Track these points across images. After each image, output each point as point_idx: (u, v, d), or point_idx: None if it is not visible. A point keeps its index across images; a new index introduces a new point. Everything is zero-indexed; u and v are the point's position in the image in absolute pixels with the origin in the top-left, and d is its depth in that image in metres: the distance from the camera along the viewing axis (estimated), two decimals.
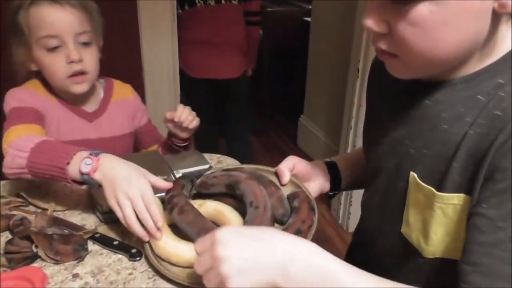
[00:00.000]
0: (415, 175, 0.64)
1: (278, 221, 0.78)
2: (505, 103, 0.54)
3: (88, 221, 0.87)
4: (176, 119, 1.06)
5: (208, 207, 0.80)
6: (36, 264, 0.75)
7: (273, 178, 0.86)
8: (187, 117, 1.07)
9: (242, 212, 0.78)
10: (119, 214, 0.75)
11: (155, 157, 1.04)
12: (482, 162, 0.55)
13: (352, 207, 2.23)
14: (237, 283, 0.51)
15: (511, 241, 0.49)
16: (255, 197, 0.75)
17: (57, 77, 1.03)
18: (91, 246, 0.80)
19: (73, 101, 1.11)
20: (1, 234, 0.83)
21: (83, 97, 1.11)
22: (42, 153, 0.83)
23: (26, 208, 0.91)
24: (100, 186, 0.78)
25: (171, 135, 1.15)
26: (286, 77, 3.69)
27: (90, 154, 0.79)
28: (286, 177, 0.84)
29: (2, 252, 0.75)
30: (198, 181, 0.86)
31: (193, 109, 1.11)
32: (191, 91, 2.33)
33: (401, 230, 0.69)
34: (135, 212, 0.75)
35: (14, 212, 0.87)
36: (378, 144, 0.73)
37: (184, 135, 1.12)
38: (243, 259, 0.52)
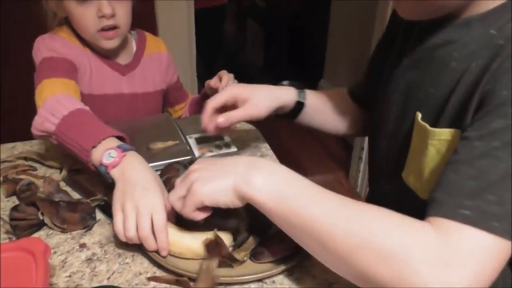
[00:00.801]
0: (419, 115, 0.63)
1: None
2: (510, 33, 0.53)
3: (98, 187, 0.83)
4: (220, 90, 0.98)
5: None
6: (43, 232, 0.72)
7: None
8: None
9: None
10: (117, 221, 0.65)
11: (166, 120, 0.99)
12: (475, 92, 0.53)
13: None
14: (204, 187, 0.57)
15: (484, 158, 0.47)
16: None
17: (86, 30, 0.97)
18: (100, 214, 0.76)
19: (106, 54, 1.05)
20: (8, 199, 0.80)
21: (116, 50, 1.06)
22: (72, 126, 0.77)
23: (34, 173, 0.88)
24: (113, 182, 0.71)
25: (207, 97, 1.10)
26: (305, 40, 3.56)
27: (118, 147, 0.72)
28: (208, 125, 0.82)
29: (7, 218, 0.73)
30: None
31: None
32: None
33: (402, 174, 0.68)
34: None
35: (21, 177, 0.84)
36: (388, 87, 0.72)
37: None
38: (210, 170, 0.59)
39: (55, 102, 0.81)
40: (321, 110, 0.90)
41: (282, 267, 0.64)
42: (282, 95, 0.85)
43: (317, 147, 2.77)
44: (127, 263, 0.66)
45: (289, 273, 0.66)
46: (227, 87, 0.77)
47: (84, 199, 0.78)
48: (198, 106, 1.17)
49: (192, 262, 0.65)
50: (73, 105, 0.80)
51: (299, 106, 0.87)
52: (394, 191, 0.71)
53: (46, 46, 0.96)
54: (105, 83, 1.05)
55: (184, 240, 0.65)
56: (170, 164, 0.82)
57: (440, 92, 0.61)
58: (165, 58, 1.17)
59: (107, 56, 1.06)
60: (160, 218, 0.64)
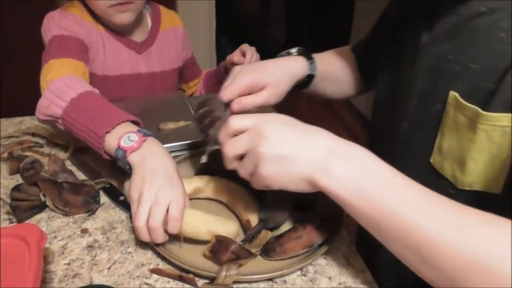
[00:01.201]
0: (456, 94, 0.56)
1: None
2: None
3: (104, 168, 0.79)
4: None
5: (217, 184, 0.69)
6: (44, 214, 0.68)
7: None
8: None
9: (258, 193, 0.66)
10: (133, 208, 0.60)
11: (179, 99, 0.94)
12: None
13: None
14: (273, 172, 0.49)
15: None
16: None
17: (98, 4, 0.91)
18: (104, 198, 0.72)
19: (120, 30, 1.00)
20: (12, 177, 0.76)
21: (130, 26, 1.00)
22: (82, 110, 0.70)
23: (40, 150, 0.84)
24: (130, 170, 0.64)
25: (226, 72, 1.05)
26: (329, 16, 3.42)
27: (139, 131, 0.65)
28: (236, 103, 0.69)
29: (8, 198, 0.69)
30: (206, 154, 0.74)
31: None
32: None
33: (431, 160, 0.61)
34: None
35: (27, 154, 0.81)
36: (412, 63, 0.64)
37: None
38: (282, 145, 0.49)
39: (62, 84, 0.74)
40: (328, 77, 0.84)
41: (296, 266, 0.58)
42: (295, 70, 0.78)
43: (337, 127, 2.69)
44: (129, 252, 0.62)
45: (303, 272, 0.60)
46: (239, 76, 0.69)
47: (89, 180, 0.74)
48: (214, 80, 1.12)
49: (200, 258, 0.60)
50: (82, 87, 0.74)
51: (309, 78, 0.81)
52: (418, 175, 0.63)
53: (56, 24, 0.90)
54: (121, 63, 1.00)
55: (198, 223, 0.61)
56: (209, 97, 0.74)
57: (485, 68, 0.53)
58: (180, 33, 1.11)
59: (122, 33, 1.00)
60: (178, 208, 0.59)
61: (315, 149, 0.49)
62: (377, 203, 0.46)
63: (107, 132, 0.66)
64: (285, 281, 0.59)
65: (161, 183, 0.60)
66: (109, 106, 0.71)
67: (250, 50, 0.95)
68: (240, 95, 0.70)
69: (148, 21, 1.05)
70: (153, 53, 1.04)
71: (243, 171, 0.53)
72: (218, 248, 0.58)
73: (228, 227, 0.61)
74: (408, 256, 0.46)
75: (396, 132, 0.68)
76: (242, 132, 0.52)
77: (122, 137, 0.64)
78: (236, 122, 0.53)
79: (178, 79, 1.14)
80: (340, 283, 0.59)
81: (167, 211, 0.58)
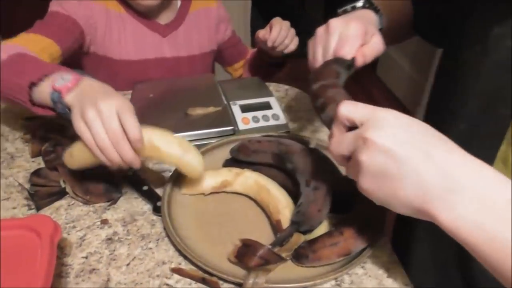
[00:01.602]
0: None
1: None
2: None
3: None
4: (269, 44, 0.86)
5: (247, 178, 0.64)
6: (64, 201, 0.65)
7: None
8: (282, 40, 0.86)
9: (291, 191, 0.62)
10: (86, 137, 0.54)
11: (210, 83, 0.88)
12: None
13: None
14: (370, 187, 0.41)
15: None
16: (314, 176, 0.57)
17: None
18: (126, 187, 0.68)
19: (146, 12, 0.94)
20: (34, 160, 0.73)
21: (157, 8, 0.93)
22: (9, 66, 0.65)
23: (65, 132, 0.80)
24: (69, 111, 0.57)
25: (261, 51, 0.97)
26: None
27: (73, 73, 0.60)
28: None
29: (27, 183, 0.66)
30: (236, 145, 0.68)
31: None
32: None
33: (494, 167, 0.49)
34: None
35: (51, 135, 0.77)
36: (478, 58, 0.52)
37: (277, 54, 0.91)
38: (387, 160, 0.39)
39: (6, 49, 0.69)
40: (387, 30, 0.68)
41: (330, 276, 0.52)
42: (374, 23, 0.64)
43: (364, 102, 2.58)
44: (150, 248, 0.58)
45: (337, 282, 0.54)
46: (345, 29, 0.57)
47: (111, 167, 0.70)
48: (256, 62, 1.04)
49: (225, 260, 0.55)
50: (20, 51, 0.69)
51: None
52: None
53: (60, 3, 0.86)
54: (143, 47, 0.94)
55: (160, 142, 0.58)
56: (326, 63, 0.57)
57: None
58: (214, 14, 1.03)
59: (146, 15, 0.94)
60: (129, 116, 0.54)
61: (429, 172, 0.38)
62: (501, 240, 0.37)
63: (32, 83, 0.60)
64: None
65: (101, 98, 0.54)
66: (43, 62, 0.67)
67: (278, 24, 0.85)
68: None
69: (178, 2, 0.99)
70: (180, 36, 0.98)
71: (349, 172, 0.45)
72: (245, 253, 0.52)
73: (170, 147, 0.58)
74: None
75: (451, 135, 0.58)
76: (354, 124, 0.43)
77: (55, 80, 0.59)
78: (345, 111, 0.43)
79: (211, 63, 1.08)
80: None
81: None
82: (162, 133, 0.59)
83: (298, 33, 0.89)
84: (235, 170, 0.65)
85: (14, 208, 0.63)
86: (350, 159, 0.44)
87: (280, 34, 0.84)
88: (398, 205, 0.41)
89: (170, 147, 0.58)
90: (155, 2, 0.88)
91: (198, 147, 0.72)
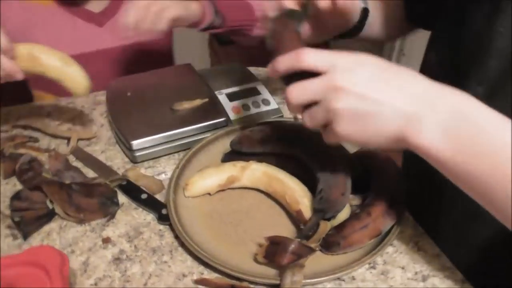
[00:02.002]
0: None
1: None
2: None
3: (114, 161, 0.68)
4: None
5: (254, 171, 0.59)
6: (54, 224, 0.57)
7: None
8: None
9: (302, 178, 0.58)
10: None
11: (189, 73, 0.82)
12: None
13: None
14: (348, 129, 0.42)
15: None
16: (329, 159, 0.54)
17: None
18: (122, 197, 0.61)
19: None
20: (7, 181, 0.65)
21: None
22: None
23: (36, 145, 0.72)
24: None
25: None
26: None
27: None
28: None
29: (7, 210, 0.58)
30: (237, 136, 0.63)
31: None
32: None
33: None
34: None
35: (21, 151, 0.69)
36: (491, 17, 0.49)
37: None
38: (364, 98, 0.40)
39: None
40: (375, 17, 0.67)
41: (366, 260, 0.50)
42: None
43: None
44: (165, 262, 0.53)
45: (371, 265, 0.52)
46: None
47: (101, 178, 0.63)
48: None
49: (252, 262, 0.51)
50: None
51: (365, 14, 0.64)
52: None
53: None
54: (78, 40, 0.85)
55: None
56: (279, 15, 0.53)
57: None
58: None
59: (75, 3, 0.84)
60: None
61: (403, 100, 0.40)
62: (477, 157, 0.39)
63: None
64: (353, 278, 0.51)
65: None
66: None
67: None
68: None
69: None
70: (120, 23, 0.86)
71: (311, 122, 0.44)
72: (274, 251, 0.48)
73: (50, 59, 0.62)
74: None
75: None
76: (315, 72, 0.42)
77: None
78: (309, 57, 0.42)
79: (169, 49, 0.99)
80: (416, 273, 0.51)
81: None
82: (45, 48, 0.62)
83: None
84: (240, 163, 0.60)
85: None
86: (307, 108, 0.44)
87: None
88: (378, 140, 0.42)
89: (50, 59, 0.62)
90: None
91: (192, 143, 0.67)
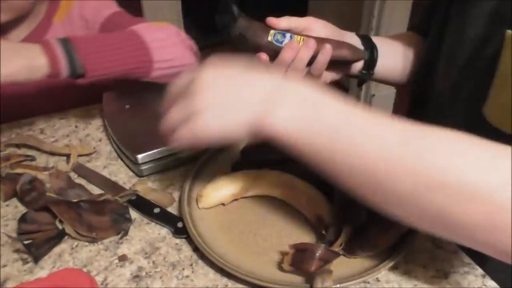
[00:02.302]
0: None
1: None
2: None
3: (119, 176, 0.66)
4: None
5: (268, 178, 0.59)
6: (65, 245, 0.55)
7: None
8: None
9: (318, 184, 0.57)
10: None
11: None
12: None
13: (374, 100, 2.06)
14: (212, 123, 0.43)
15: None
16: None
17: None
18: (133, 213, 0.60)
19: None
20: (8, 203, 0.62)
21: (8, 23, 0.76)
22: None
23: (33, 163, 0.69)
24: None
25: None
26: None
27: None
28: (282, 22, 0.60)
29: (14, 233, 0.56)
30: (247, 145, 0.63)
31: None
32: None
33: (484, 110, 0.53)
34: None
35: (18, 171, 0.66)
36: (464, 9, 0.57)
37: None
38: (221, 93, 0.43)
39: None
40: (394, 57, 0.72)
41: (391, 261, 0.50)
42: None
43: None
44: (187, 276, 0.51)
45: (393, 265, 0.52)
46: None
47: (108, 193, 0.61)
48: None
49: (276, 271, 0.50)
50: None
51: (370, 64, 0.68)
52: (467, 125, 0.56)
53: None
54: None
55: None
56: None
57: None
58: (76, 13, 0.84)
59: None
60: None
61: (257, 90, 0.43)
62: (326, 137, 0.41)
63: None
64: (378, 279, 0.51)
65: None
66: None
67: None
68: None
69: (43, 10, 0.83)
70: None
71: (172, 119, 0.46)
72: (301, 258, 0.48)
73: None
74: (365, 187, 0.41)
75: (444, 85, 0.61)
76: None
77: None
78: (173, 87, 0.47)
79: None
80: (437, 271, 0.52)
81: None
82: None
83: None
84: (253, 172, 0.60)
85: (4, 266, 0.53)
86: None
87: None
88: (237, 132, 0.43)
89: None
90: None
91: (199, 154, 0.66)
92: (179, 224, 0.56)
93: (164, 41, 0.72)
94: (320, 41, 0.60)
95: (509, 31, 0.49)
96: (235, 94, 0.43)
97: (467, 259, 0.53)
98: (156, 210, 0.58)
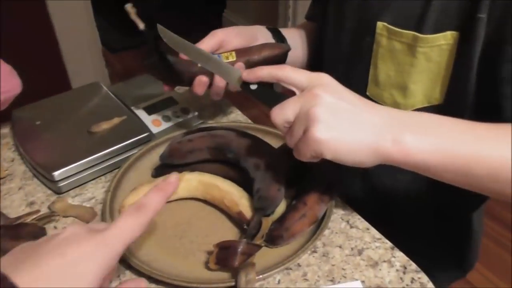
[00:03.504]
0: (384, 24, 0.59)
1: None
2: None
3: (36, 196, 0.64)
4: None
5: (189, 181, 0.60)
6: None
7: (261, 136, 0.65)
8: None
9: (238, 181, 0.60)
10: None
11: (99, 92, 0.79)
12: None
13: None
14: (330, 139, 0.42)
15: None
16: (261, 158, 0.57)
17: None
18: (54, 232, 0.58)
19: None
20: None
21: None
22: None
23: None
24: None
25: None
26: None
27: None
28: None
29: None
30: (166, 150, 0.63)
31: None
32: None
33: (367, 93, 0.64)
34: None
35: None
36: (339, 5, 0.66)
37: None
38: (339, 111, 0.43)
39: None
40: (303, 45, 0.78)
41: (308, 246, 0.54)
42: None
43: None
44: None
45: (313, 250, 0.56)
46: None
47: (24, 216, 0.59)
48: None
49: (204, 270, 0.52)
50: None
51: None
52: None
53: None
54: None
55: None
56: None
57: None
58: None
59: None
60: None
61: (375, 116, 0.45)
62: (451, 155, 0.44)
63: None
64: (299, 264, 0.54)
65: None
66: None
67: None
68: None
69: None
70: None
71: (291, 138, 0.46)
72: (225, 256, 0.50)
73: None
74: (492, 188, 0.46)
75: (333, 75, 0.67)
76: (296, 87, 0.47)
77: None
78: (290, 73, 0.47)
79: None
80: (352, 249, 0.56)
81: None
82: None
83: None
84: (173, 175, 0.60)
85: None
86: (291, 125, 0.46)
87: None
88: (359, 156, 0.44)
89: None
90: None
91: (118, 163, 0.66)
92: None
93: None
94: (244, 51, 0.63)
95: (379, 23, 0.59)
96: (355, 115, 0.44)
97: (378, 234, 0.58)
98: None
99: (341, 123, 0.43)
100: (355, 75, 0.66)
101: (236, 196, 0.58)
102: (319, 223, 0.57)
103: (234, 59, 0.62)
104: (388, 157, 0.44)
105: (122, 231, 0.35)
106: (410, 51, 0.57)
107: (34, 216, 0.59)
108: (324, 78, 0.47)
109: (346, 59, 0.67)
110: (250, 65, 0.62)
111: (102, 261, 0.32)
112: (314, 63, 0.77)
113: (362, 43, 0.63)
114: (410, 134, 0.44)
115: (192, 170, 0.62)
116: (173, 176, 0.39)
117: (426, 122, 0.45)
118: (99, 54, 2.12)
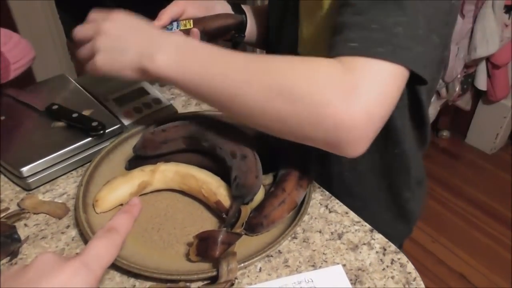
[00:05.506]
0: None
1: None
2: None
3: (5, 193, 0.61)
4: None
5: (165, 172, 0.59)
6: None
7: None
8: None
9: (214, 170, 0.59)
10: None
11: (66, 84, 0.76)
12: None
13: None
14: (106, 62, 0.53)
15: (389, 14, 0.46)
16: (237, 146, 0.56)
17: None
18: (25, 230, 0.56)
19: None
20: None
21: None
22: None
23: None
24: None
25: None
26: None
27: None
28: (164, 19, 0.66)
29: None
30: (139, 141, 0.61)
31: None
32: None
33: (298, 50, 0.66)
34: None
35: None
36: None
37: None
38: (114, 37, 0.53)
39: None
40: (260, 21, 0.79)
41: (288, 232, 0.53)
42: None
43: None
44: None
45: (293, 236, 0.56)
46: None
47: None
48: None
49: (184, 262, 0.51)
50: None
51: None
52: None
53: None
54: None
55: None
56: None
57: None
58: None
59: None
60: None
61: (142, 38, 0.53)
62: (196, 73, 0.50)
63: None
64: (280, 251, 0.54)
65: None
66: None
67: None
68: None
69: None
70: None
71: (82, 53, 0.55)
72: (205, 246, 0.49)
73: None
74: (229, 107, 0.50)
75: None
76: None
77: None
78: (77, 31, 0.56)
79: None
80: (332, 233, 0.56)
81: None
82: None
83: None
84: (148, 167, 0.59)
85: None
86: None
87: None
88: (126, 71, 0.53)
89: None
90: None
91: (90, 157, 0.63)
92: (94, 123, 0.65)
93: (9, 44, 0.73)
94: (201, 20, 0.66)
95: None
96: (125, 38, 0.53)
97: (357, 218, 0.59)
98: (74, 115, 0.66)
99: (113, 51, 0.53)
100: (284, 33, 0.69)
101: (213, 186, 0.57)
102: (298, 209, 0.56)
103: (191, 26, 0.66)
104: (147, 73, 0.52)
105: (98, 251, 0.34)
106: (318, 5, 0.58)
107: (3, 215, 0.56)
108: (115, 15, 0.54)
109: (279, 19, 0.70)
110: (205, 33, 0.67)
111: (83, 285, 0.31)
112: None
113: (289, 9, 0.65)
114: (163, 54, 0.51)
115: (167, 161, 0.60)
116: (135, 199, 0.42)
117: (181, 45, 0.52)
118: (63, 47, 2.05)
